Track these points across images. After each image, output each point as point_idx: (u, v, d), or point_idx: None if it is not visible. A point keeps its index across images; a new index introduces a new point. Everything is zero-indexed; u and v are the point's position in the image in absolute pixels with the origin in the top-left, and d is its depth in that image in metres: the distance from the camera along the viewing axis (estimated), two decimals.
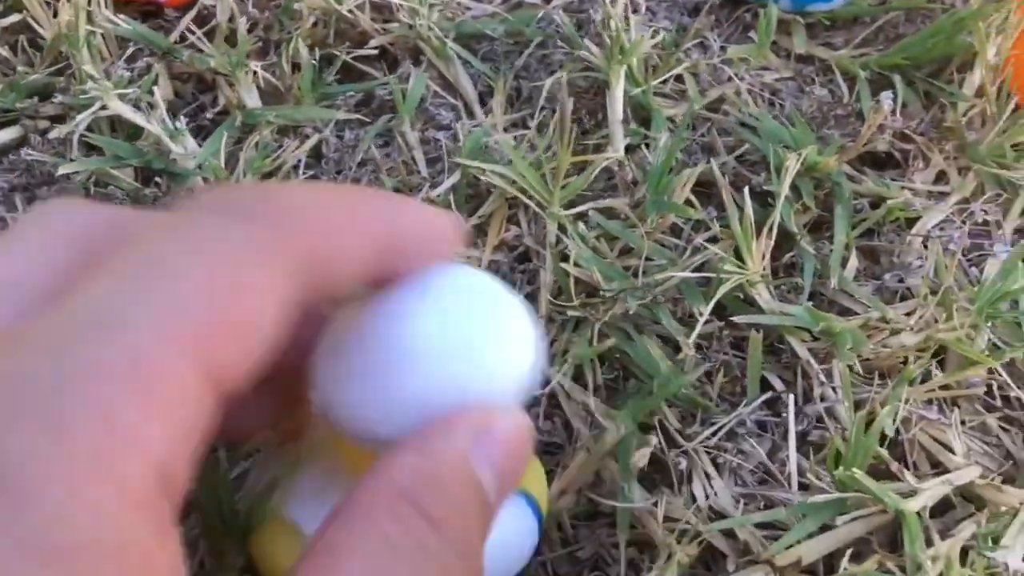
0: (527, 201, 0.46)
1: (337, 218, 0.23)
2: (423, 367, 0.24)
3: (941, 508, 0.40)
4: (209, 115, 0.51)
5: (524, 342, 0.25)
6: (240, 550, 0.35)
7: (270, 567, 0.32)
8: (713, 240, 0.46)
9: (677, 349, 0.42)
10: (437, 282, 0.25)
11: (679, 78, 0.53)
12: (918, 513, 0.37)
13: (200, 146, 0.48)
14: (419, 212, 0.25)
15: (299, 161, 0.49)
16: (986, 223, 0.49)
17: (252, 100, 0.50)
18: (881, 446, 0.40)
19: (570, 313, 0.43)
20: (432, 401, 0.24)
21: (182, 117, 0.50)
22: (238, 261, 0.20)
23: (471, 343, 0.24)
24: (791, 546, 0.37)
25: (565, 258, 0.43)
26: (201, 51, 0.51)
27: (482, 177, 0.46)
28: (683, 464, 0.40)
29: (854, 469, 0.35)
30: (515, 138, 0.49)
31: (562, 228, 0.45)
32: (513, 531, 0.32)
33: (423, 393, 0.24)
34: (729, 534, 0.38)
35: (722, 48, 0.54)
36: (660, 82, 0.52)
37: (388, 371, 0.24)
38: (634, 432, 0.39)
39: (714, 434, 0.41)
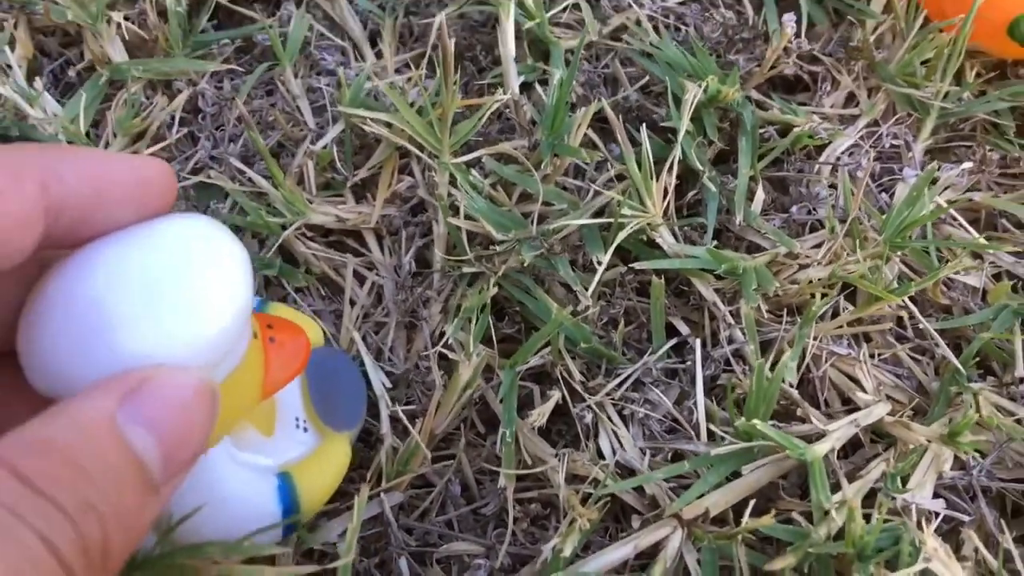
0: (417, 152, 0.43)
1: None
2: (100, 322, 0.22)
3: (853, 446, 0.39)
4: (74, 72, 0.47)
5: (215, 299, 0.24)
6: None
7: None
8: (618, 179, 0.44)
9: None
10: (140, 232, 0.24)
11: (576, 6, 0.50)
12: (827, 456, 0.36)
13: (64, 107, 0.45)
14: (122, 163, 0.24)
15: (172, 118, 0.45)
16: (896, 147, 0.47)
17: (118, 54, 0.47)
18: (792, 385, 0.39)
19: (465, 269, 0.41)
20: (105, 361, 0.22)
21: (44, 76, 0.46)
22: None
23: (152, 299, 0.22)
24: (699, 497, 0.36)
25: (458, 210, 0.41)
26: (57, 2, 0.46)
27: (367, 128, 0.43)
28: (588, 418, 0.39)
29: (755, 420, 0.34)
30: (406, 80, 0.47)
31: (455, 178, 0.42)
32: (242, 507, 0.31)
33: (98, 352, 0.22)
34: (637, 488, 0.37)
35: None
36: (559, 10, 0.50)
37: (65, 327, 0.22)
38: (511, 378, 0.38)
39: (620, 385, 0.39)
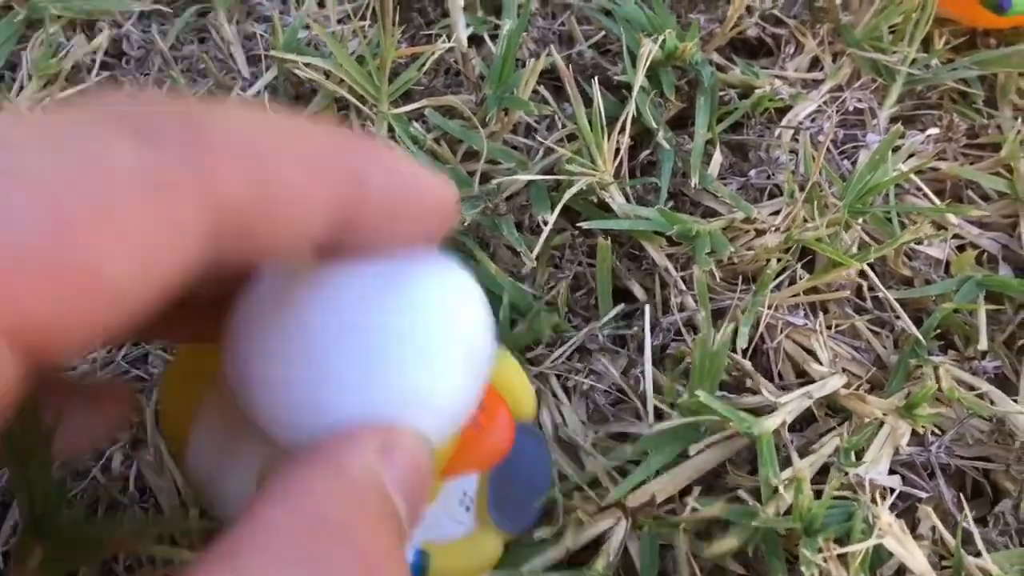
0: (356, 102, 0.40)
1: (287, 160, 0.17)
2: (346, 372, 0.20)
3: (806, 421, 0.37)
4: None
5: (466, 368, 0.21)
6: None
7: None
8: (569, 139, 0.42)
9: None
10: (393, 271, 0.21)
11: None
12: (778, 430, 0.34)
13: None
14: (408, 174, 0.20)
15: (94, 60, 0.42)
16: (860, 112, 0.45)
17: None
18: (744, 356, 0.37)
19: None
20: (344, 412, 0.20)
21: None
22: (111, 189, 0.15)
23: (405, 357, 0.20)
24: (643, 483, 0.33)
25: None
26: None
27: (304, 74, 0.40)
28: None
29: (698, 392, 0.32)
30: (348, 30, 0.44)
31: (395, 131, 0.40)
32: None
33: (338, 401, 0.20)
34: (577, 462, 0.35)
35: None
36: None
37: (307, 366, 0.20)
38: None
39: (564, 354, 0.37)
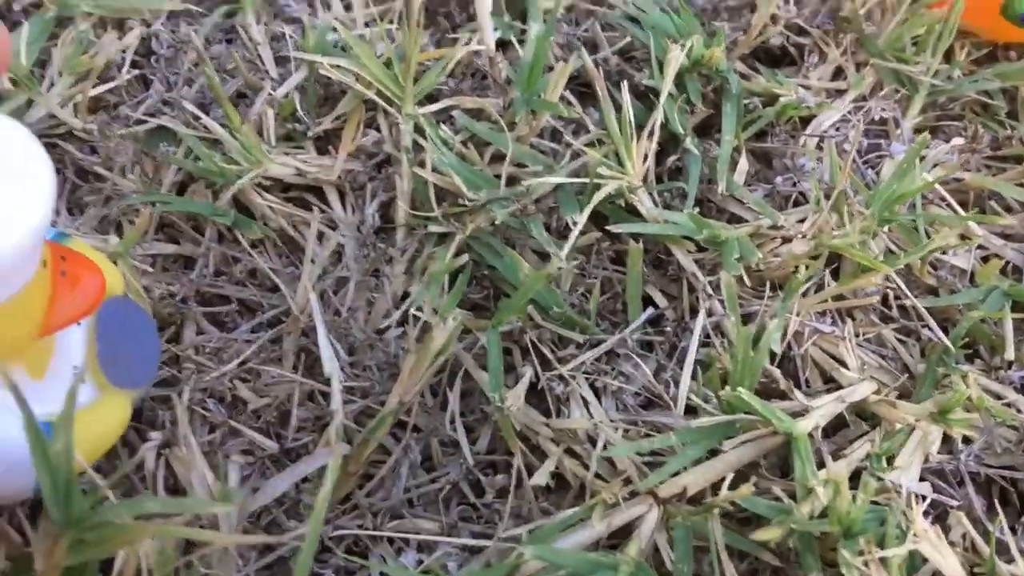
0: (384, 104, 0.40)
1: None
2: None
3: (834, 427, 0.37)
4: (19, 7, 0.44)
5: (8, 209, 0.22)
6: None
7: None
8: (597, 144, 0.42)
9: None
10: None
11: None
12: (810, 434, 0.34)
13: None
14: None
15: (123, 59, 0.42)
16: (884, 121, 0.45)
17: None
18: (772, 363, 0.37)
19: (432, 228, 0.38)
20: None
21: None
22: None
23: None
24: (675, 474, 0.33)
25: (424, 163, 0.38)
26: None
27: (334, 76, 0.41)
28: (559, 389, 0.36)
29: (740, 389, 0.32)
30: (375, 34, 0.44)
31: (424, 132, 0.40)
32: None
33: None
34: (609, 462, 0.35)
35: None
36: None
37: None
38: (496, 340, 0.35)
39: (593, 356, 0.37)
